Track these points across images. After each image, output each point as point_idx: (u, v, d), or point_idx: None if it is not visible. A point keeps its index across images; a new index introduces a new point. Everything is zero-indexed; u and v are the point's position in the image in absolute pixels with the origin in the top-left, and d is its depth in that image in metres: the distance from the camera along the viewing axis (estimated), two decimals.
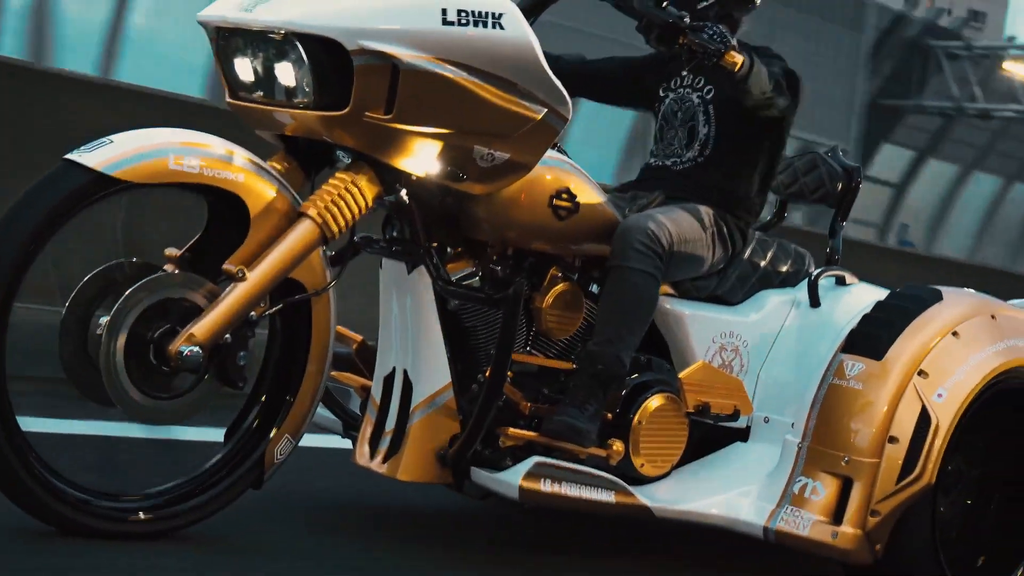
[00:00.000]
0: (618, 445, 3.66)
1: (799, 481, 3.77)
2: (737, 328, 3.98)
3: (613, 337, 3.59)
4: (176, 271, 3.20)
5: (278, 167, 3.35)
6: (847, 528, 3.68)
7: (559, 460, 3.52)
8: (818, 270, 4.13)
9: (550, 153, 3.56)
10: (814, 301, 4.07)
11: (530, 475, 3.46)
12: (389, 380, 3.60)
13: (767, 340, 4.03)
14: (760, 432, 3.96)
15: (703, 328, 3.92)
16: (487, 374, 3.49)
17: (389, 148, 3.24)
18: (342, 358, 3.85)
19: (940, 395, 3.74)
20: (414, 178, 3.32)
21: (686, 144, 3.98)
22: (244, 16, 3.20)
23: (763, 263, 4.07)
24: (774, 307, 4.06)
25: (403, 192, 3.34)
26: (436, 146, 3.26)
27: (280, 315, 3.33)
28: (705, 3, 3.81)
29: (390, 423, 3.56)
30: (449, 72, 3.18)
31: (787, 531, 3.72)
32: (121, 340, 3.05)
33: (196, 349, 3.07)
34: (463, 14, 3.17)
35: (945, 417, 3.73)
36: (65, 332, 3.12)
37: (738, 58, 3.53)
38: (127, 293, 3.06)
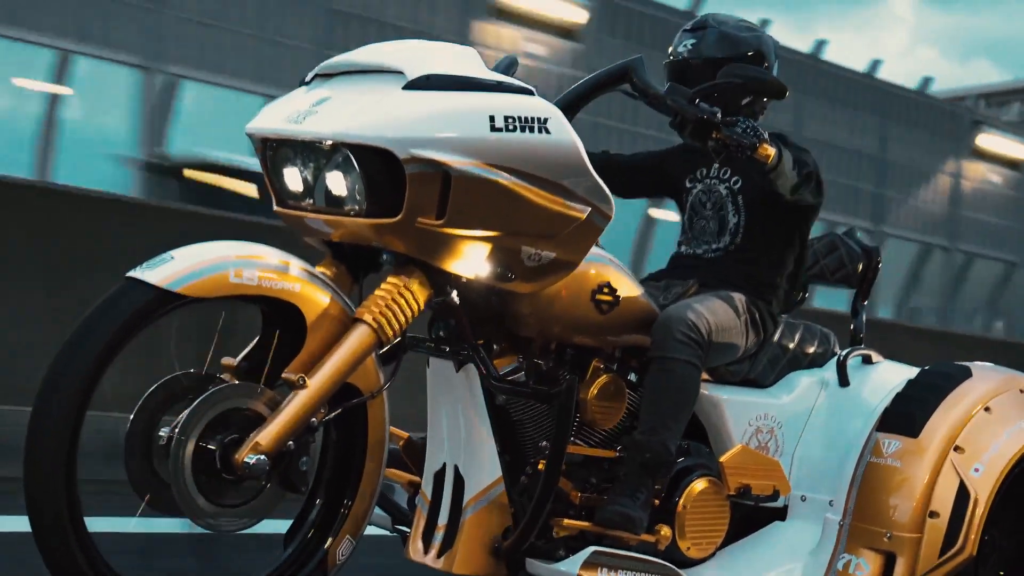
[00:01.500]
0: (666, 530, 3.74)
1: (843, 558, 3.85)
2: (771, 410, 4.08)
3: (659, 426, 3.67)
4: (235, 381, 3.26)
5: (327, 273, 3.43)
6: None
7: (611, 547, 3.59)
8: (846, 351, 4.24)
9: (591, 249, 3.65)
10: (843, 381, 4.17)
11: (588, 564, 3.53)
12: (440, 476, 3.67)
13: (800, 420, 4.12)
14: (798, 510, 4.05)
15: (740, 412, 4.01)
16: (541, 466, 3.56)
17: (440, 252, 3.32)
18: (391, 455, 3.92)
19: (977, 469, 3.84)
20: (464, 280, 3.41)
21: (717, 233, 4.08)
22: (294, 128, 3.28)
23: (792, 345, 4.16)
24: (805, 388, 4.15)
25: (454, 293, 3.42)
26: (486, 248, 3.35)
27: (336, 419, 3.40)
28: (745, 99, 3.91)
29: (443, 518, 3.63)
30: (498, 177, 3.27)
31: None
32: (189, 453, 3.12)
33: (262, 457, 3.14)
34: (510, 120, 3.27)
35: (983, 491, 3.82)
36: (130, 445, 3.17)
37: (771, 151, 3.64)
38: (193, 407, 3.13)
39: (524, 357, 3.68)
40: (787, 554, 3.95)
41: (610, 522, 3.57)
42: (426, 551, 3.63)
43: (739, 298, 3.97)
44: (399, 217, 3.24)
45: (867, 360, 4.27)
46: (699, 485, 3.81)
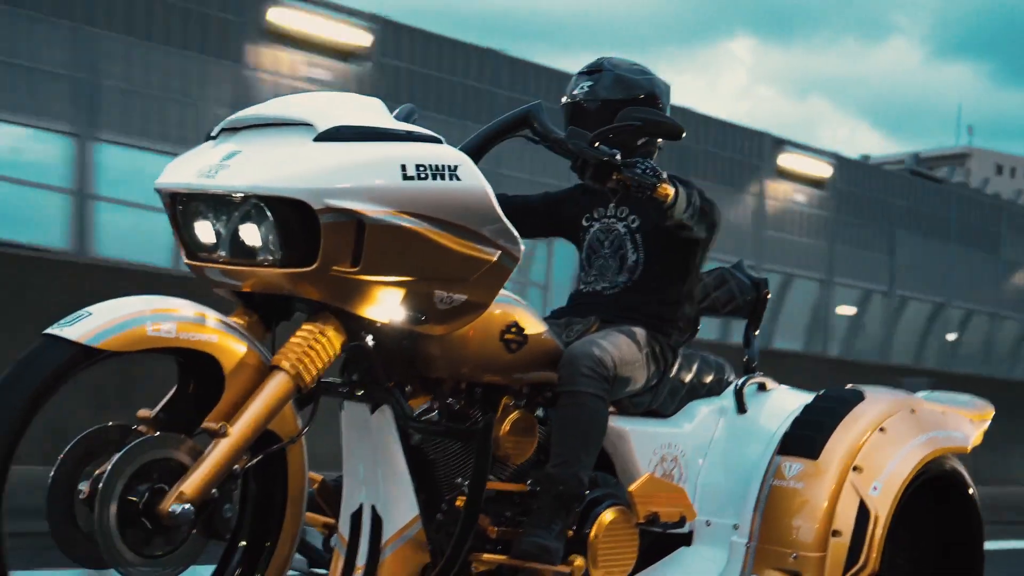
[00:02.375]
0: (580, 560, 3.83)
1: None
2: (674, 439, 4.19)
3: (571, 459, 3.77)
4: (155, 432, 3.29)
5: (241, 322, 3.48)
6: None
7: None
8: (743, 379, 4.37)
9: None
10: (741, 408, 4.31)
11: None
12: (357, 516, 3.72)
13: (701, 448, 4.25)
14: (703, 535, 4.17)
15: (645, 442, 4.12)
16: (459, 503, 3.64)
17: (355, 298, 3.39)
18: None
19: (876, 488, 3.99)
20: (378, 324, 3.48)
21: (616, 270, 4.20)
22: (207, 182, 3.33)
23: (690, 376, 4.29)
24: (704, 416, 4.28)
25: (368, 338, 3.49)
26: (399, 293, 3.42)
27: (255, 466, 3.44)
28: (641, 140, 4.04)
29: (361, 559, 3.68)
30: (412, 224, 3.35)
31: None
32: (113, 508, 3.13)
33: (187, 506, 3.17)
34: (421, 168, 3.35)
35: (882, 508, 3.97)
36: (51, 500, 3.19)
37: (670, 190, 3.76)
38: (116, 459, 3.14)
39: (436, 397, 3.75)
40: None
41: (527, 554, 3.65)
42: None
43: (640, 332, 4.08)
44: (315, 266, 3.30)
45: (762, 387, 4.42)
46: (609, 515, 3.90)
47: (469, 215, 3.43)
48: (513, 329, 3.75)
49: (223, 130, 3.51)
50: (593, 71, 4.23)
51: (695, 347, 4.56)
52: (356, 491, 3.73)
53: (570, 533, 3.84)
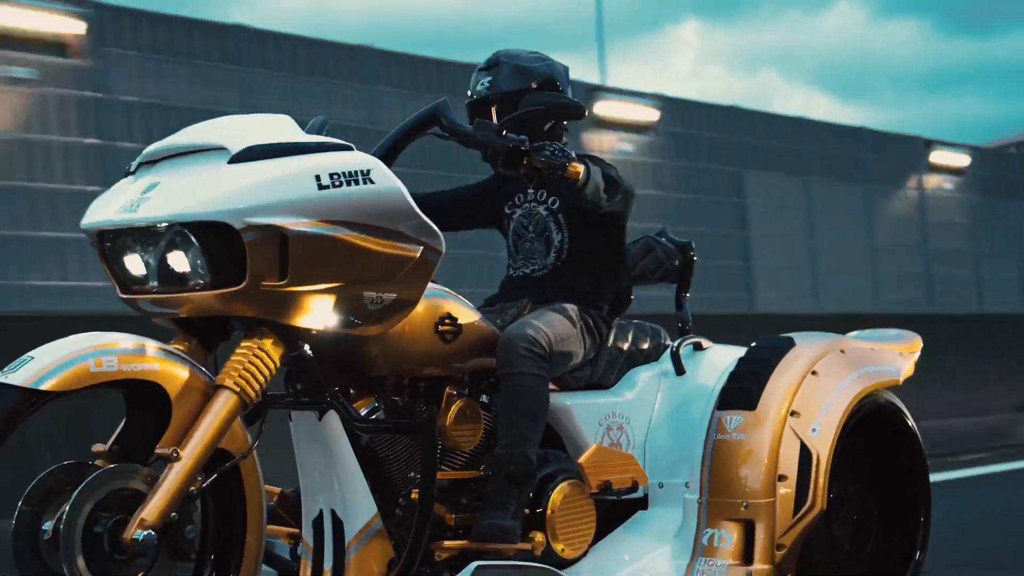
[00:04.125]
0: (539, 536, 3.95)
1: (707, 533, 4.10)
2: (617, 408, 4.32)
3: (518, 439, 3.89)
4: (111, 464, 3.38)
5: (181, 347, 3.57)
6: (759, 566, 4.03)
7: (492, 560, 3.79)
8: (677, 341, 4.50)
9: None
10: (679, 369, 4.43)
11: None
12: (319, 522, 3.82)
13: (645, 413, 4.37)
14: (658, 497, 4.29)
15: (589, 414, 4.24)
16: (414, 496, 3.74)
17: (288, 310, 3.49)
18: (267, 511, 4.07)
19: (814, 430, 4.12)
20: (313, 332, 3.58)
21: (544, 252, 4.32)
22: (130, 216, 3.42)
23: (627, 345, 4.41)
24: (645, 383, 4.41)
25: (306, 347, 3.59)
26: (330, 299, 3.52)
27: (210, 485, 3.54)
28: (548, 124, 4.14)
29: (327, 563, 3.78)
30: (332, 232, 3.45)
31: None
32: (78, 541, 3.22)
33: (150, 532, 3.26)
34: (335, 177, 3.45)
35: (823, 448, 4.11)
36: (17, 546, 3.26)
37: (579, 168, 3.88)
38: (75, 496, 3.23)
39: (380, 396, 3.86)
40: (655, 539, 4.19)
41: (486, 536, 3.76)
42: None
43: (572, 308, 4.20)
44: (244, 284, 3.40)
45: (698, 347, 4.54)
46: (563, 489, 4.02)
47: (387, 216, 3.54)
48: (447, 320, 3.87)
49: (140, 164, 3.60)
50: (491, 65, 4.34)
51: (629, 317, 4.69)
52: (314, 498, 3.84)
53: (526, 511, 3.95)
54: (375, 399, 3.86)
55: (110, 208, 3.51)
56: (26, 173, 10.12)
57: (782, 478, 4.07)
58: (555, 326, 4.07)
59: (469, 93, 4.36)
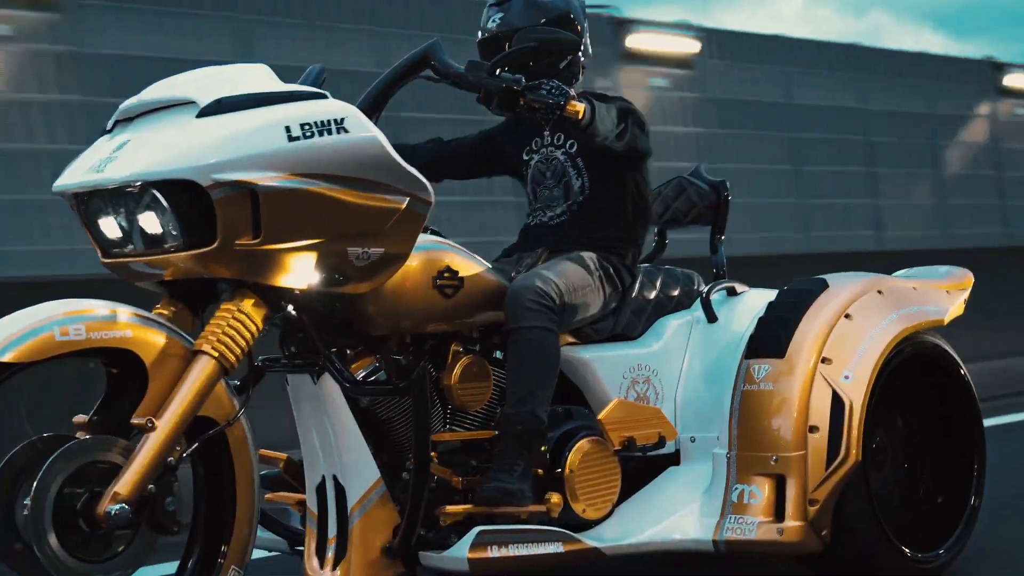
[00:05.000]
0: (556, 497, 3.75)
1: (736, 489, 3.87)
2: (644, 359, 4.09)
3: (526, 396, 3.69)
4: (88, 436, 3.25)
5: (165, 313, 3.42)
6: (790, 523, 3.79)
7: (501, 525, 3.60)
8: (708, 286, 4.26)
9: (423, 237, 3.66)
10: (711, 317, 4.19)
11: (476, 546, 3.53)
12: (321, 489, 3.66)
13: (675, 364, 4.14)
14: (689, 452, 4.07)
15: (611, 367, 4.02)
16: (412, 460, 3.57)
17: (266, 270, 3.32)
18: (273, 479, 3.92)
19: (847, 377, 3.87)
20: (297, 292, 3.41)
21: (562, 198, 4.10)
22: (97, 177, 3.28)
23: (654, 293, 4.19)
24: (674, 331, 4.17)
25: (290, 307, 3.42)
26: (311, 257, 3.35)
27: (199, 452, 3.40)
28: (545, 60, 3.91)
29: (332, 530, 3.63)
30: (306, 185, 3.27)
31: (736, 539, 3.82)
32: (48, 516, 3.09)
33: (123, 506, 3.13)
34: (306, 127, 3.27)
35: (856, 396, 3.85)
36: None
37: (579, 106, 3.66)
38: (43, 469, 3.11)
39: (381, 356, 3.68)
40: (683, 497, 3.97)
41: (490, 500, 3.58)
42: (322, 566, 3.63)
43: (590, 256, 3.98)
44: (216, 244, 3.24)
45: (731, 292, 4.30)
46: (583, 447, 3.82)
47: (364, 167, 3.35)
48: (446, 274, 3.67)
49: (117, 122, 3.45)
50: (503, 1, 4.12)
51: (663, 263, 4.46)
52: (316, 463, 3.68)
53: (540, 471, 3.76)
54: (376, 360, 3.67)
55: (80, 169, 3.37)
56: (6, 134, 9.91)
57: (813, 429, 3.83)
58: (568, 276, 3.86)
59: (480, 31, 4.15)
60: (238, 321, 3.34)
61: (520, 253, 4.10)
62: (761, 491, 3.84)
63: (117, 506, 3.12)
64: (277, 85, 3.38)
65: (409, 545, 3.57)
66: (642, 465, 4.05)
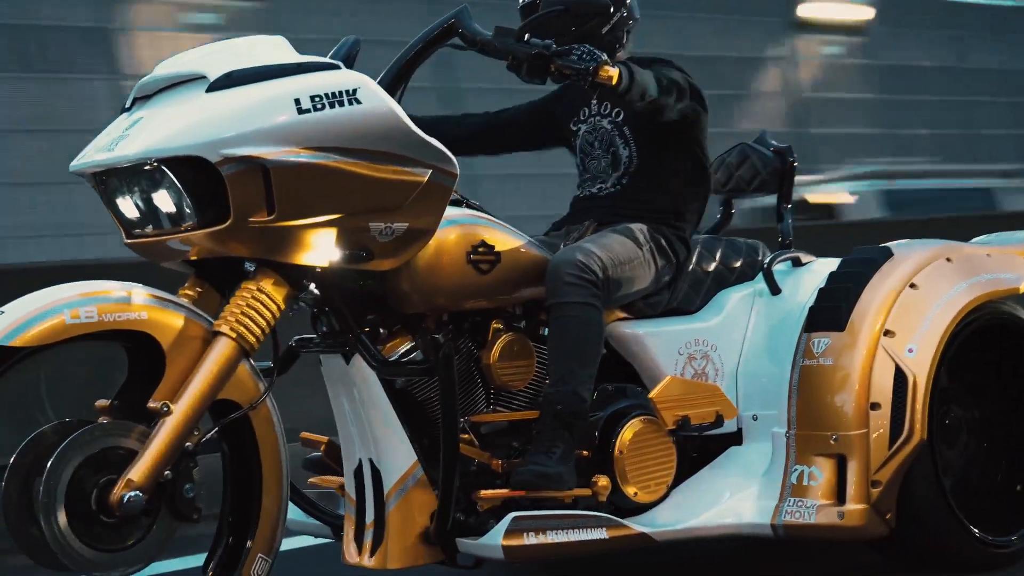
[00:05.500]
0: (604, 480, 3.59)
1: (795, 470, 3.68)
2: (701, 334, 3.91)
3: (566, 375, 3.53)
4: (106, 421, 3.16)
5: (190, 294, 3.32)
6: (852, 505, 3.59)
7: (539, 510, 3.45)
8: (771, 256, 4.06)
9: (455, 211, 3.52)
10: (774, 288, 4.00)
11: (511, 532, 3.39)
12: (359, 473, 3.55)
13: (736, 338, 3.95)
14: (751, 431, 3.88)
15: (665, 343, 3.85)
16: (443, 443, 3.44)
17: (285, 247, 3.21)
18: (316, 462, 3.82)
19: (911, 350, 3.66)
20: (318, 270, 3.29)
21: (611, 169, 3.93)
22: (108, 156, 3.19)
23: (713, 264, 4.00)
24: (735, 304, 3.98)
25: (312, 286, 3.30)
26: (330, 233, 3.23)
27: (224, 438, 3.30)
28: (575, 25, 3.73)
29: (369, 515, 3.51)
30: (319, 159, 3.15)
31: (795, 523, 3.63)
32: (59, 502, 3.01)
33: (137, 494, 3.04)
34: (317, 99, 3.15)
35: (921, 371, 3.64)
36: (7, 511, 3.08)
37: (612, 71, 3.48)
38: (55, 455, 3.03)
39: (418, 335, 3.55)
40: (741, 480, 3.79)
41: (525, 484, 3.43)
42: (360, 553, 3.52)
43: (640, 228, 3.81)
44: (229, 222, 3.13)
45: (796, 263, 4.09)
46: (634, 427, 3.66)
47: (380, 138, 3.21)
48: (480, 249, 3.53)
49: (136, 99, 3.36)
50: None
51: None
52: (352, 447, 3.57)
53: (586, 453, 3.60)
54: (412, 339, 3.53)
55: (95, 148, 3.28)
56: None
57: (875, 406, 3.61)
58: (613, 249, 3.69)
59: None
60: (257, 301, 3.23)
61: (568, 226, 3.95)
62: (821, 472, 3.64)
63: (131, 493, 3.03)
64: (290, 56, 3.26)
65: (445, 531, 3.44)
66: (702, 445, 3.88)
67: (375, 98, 3.20)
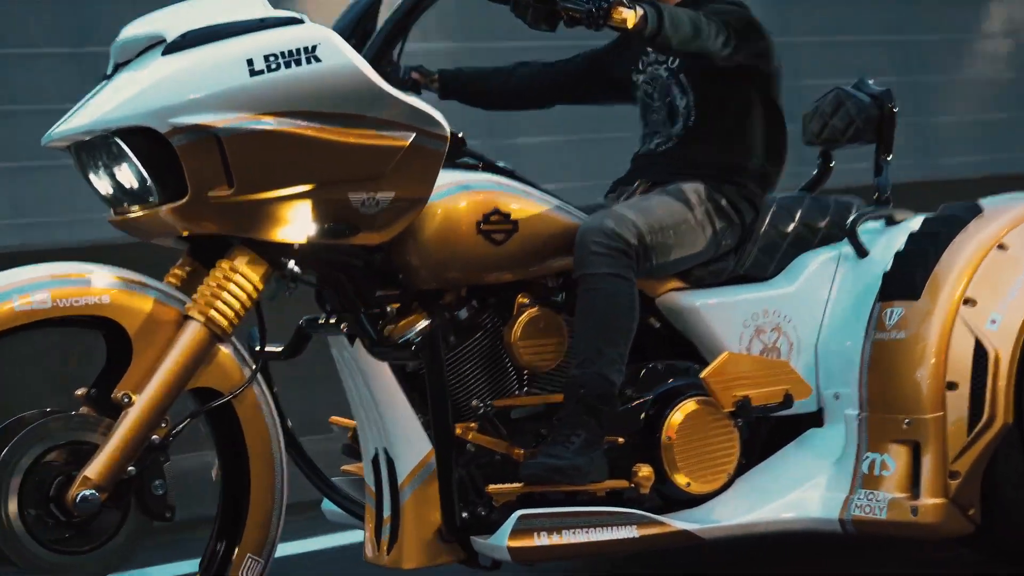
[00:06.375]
0: (645, 470, 3.23)
1: (867, 458, 3.25)
2: (773, 304, 3.49)
3: (592, 355, 3.17)
4: (84, 411, 2.95)
5: (178, 273, 3.08)
6: (927, 500, 3.14)
7: (549, 508, 3.11)
8: (856, 214, 3.60)
9: (467, 175, 3.20)
10: (860, 250, 3.54)
11: (518, 532, 3.06)
12: (376, 463, 3.27)
13: (816, 308, 3.52)
14: (832, 411, 3.46)
15: (728, 315, 3.44)
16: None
17: (254, 223, 2.93)
18: (351, 448, 3.55)
19: (994, 321, 3.18)
20: (296, 247, 3.00)
21: (669, 122, 3.53)
22: (64, 128, 2.97)
23: (792, 226, 3.57)
24: (816, 269, 3.55)
25: (291, 263, 3.01)
26: (304, 206, 2.94)
27: (214, 430, 3.06)
28: None
29: (387, 509, 3.22)
30: (276, 126, 2.85)
31: (864, 518, 3.21)
32: (13, 496, 2.81)
33: (93, 492, 2.81)
34: (271, 59, 2.85)
35: (1004, 345, 3.17)
36: None
37: (625, 13, 3.08)
38: (11, 444, 2.82)
39: (434, 313, 3.23)
40: (813, 467, 3.38)
41: (534, 478, 3.09)
42: (378, 549, 3.24)
43: (694, 188, 3.41)
44: (187, 197, 2.87)
45: (890, 221, 3.62)
46: (685, 409, 3.29)
47: (346, 99, 2.90)
48: (493, 217, 3.18)
49: (117, 65, 3.12)
50: None
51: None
52: (367, 435, 3.30)
53: (621, 440, 3.23)
54: (428, 317, 3.21)
55: (61, 121, 3.05)
56: None
57: (952, 386, 3.15)
58: (653, 212, 3.30)
59: None
60: (230, 281, 2.97)
61: (622, 187, 3.57)
62: (894, 461, 3.19)
63: (86, 492, 2.82)
64: (258, 12, 2.96)
65: (455, 528, 3.13)
66: (779, 427, 3.47)
67: (337, 55, 2.89)
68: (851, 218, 3.60)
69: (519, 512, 3.07)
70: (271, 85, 2.84)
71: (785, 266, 3.55)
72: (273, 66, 2.85)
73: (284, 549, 4.02)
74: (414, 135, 2.97)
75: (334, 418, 3.53)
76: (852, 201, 3.69)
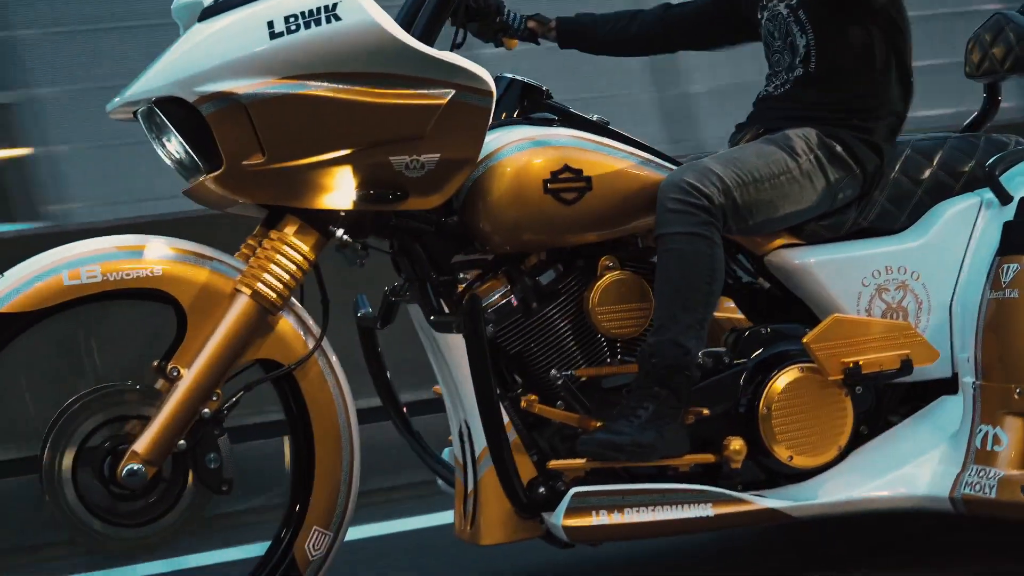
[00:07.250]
0: (736, 443, 3.01)
1: (980, 431, 2.94)
2: (897, 260, 3.19)
3: (667, 321, 2.96)
4: (137, 386, 2.94)
5: (252, 243, 3.05)
6: None
7: (605, 485, 2.93)
8: (999, 154, 3.24)
9: (532, 131, 3.04)
10: (1003, 197, 3.19)
11: (572, 511, 2.90)
12: (461, 436, 3.16)
13: (952, 263, 3.19)
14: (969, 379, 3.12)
15: (844, 273, 3.17)
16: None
17: (295, 191, 2.86)
18: None
19: None
20: (342, 214, 2.91)
21: (789, 63, 3.26)
22: (117, 100, 2.96)
23: (928, 171, 3.25)
24: (952, 220, 3.22)
25: (339, 232, 2.92)
26: (344, 171, 2.85)
27: (281, 402, 3.02)
28: None
29: (470, 483, 3.12)
30: (300, 89, 2.77)
31: (975, 497, 2.90)
32: (67, 474, 2.85)
33: (140, 467, 2.82)
34: (291, 20, 2.76)
35: None
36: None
37: None
38: (61, 420, 2.85)
39: (515, 278, 3.09)
40: (928, 441, 3.09)
41: (592, 454, 2.91)
42: (464, 524, 3.14)
43: (802, 135, 3.14)
44: (224, 168, 2.83)
45: None
46: (787, 377, 3.05)
47: (372, 59, 2.78)
48: (562, 176, 3.01)
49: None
50: None
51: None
52: (452, 407, 3.19)
53: (707, 411, 3.02)
54: (507, 282, 3.07)
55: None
56: None
57: None
58: (745, 164, 3.05)
59: None
60: (279, 253, 2.91)
61: (737, 133, 3.32)
62: (1006, 435, 2.88)
63: (134, 466, 2.82)
64: None
65: (522, 504, 2.99)
66: (909, 395, 3.18)
67: (358, 11, 2.76)
68: (992, 159, 3.24)
69: (574, 489, 2.91)
70: (292, 47, 2.76)
71: (919, 216, 3.24)
72: (293, 27, 2.76)
73: (397, 525, 4.01)
74: (453, 92, 2.83)
75: (437, 388, 3.44)
76: (1008, 140, 3.33)
